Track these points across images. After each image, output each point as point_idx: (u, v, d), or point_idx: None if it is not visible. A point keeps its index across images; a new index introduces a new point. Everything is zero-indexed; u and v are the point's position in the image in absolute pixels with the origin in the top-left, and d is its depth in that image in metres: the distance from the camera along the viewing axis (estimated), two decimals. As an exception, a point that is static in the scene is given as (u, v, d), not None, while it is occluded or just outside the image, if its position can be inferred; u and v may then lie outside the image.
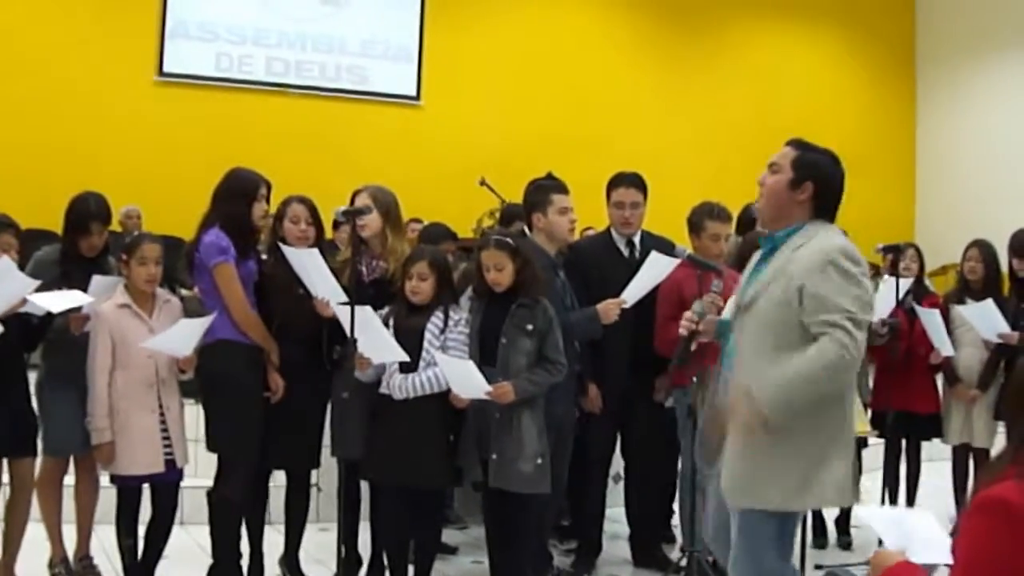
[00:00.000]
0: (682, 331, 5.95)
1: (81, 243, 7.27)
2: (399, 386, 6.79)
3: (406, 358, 6.65)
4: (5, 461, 6.94)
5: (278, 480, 7.73)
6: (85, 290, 6.93)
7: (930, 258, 9.71)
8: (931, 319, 8.74)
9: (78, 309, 6.83)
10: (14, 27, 14.85)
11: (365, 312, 6.51)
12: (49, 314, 6.79)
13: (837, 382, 4.92)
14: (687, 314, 6.02)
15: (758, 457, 4.94)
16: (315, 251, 7.04)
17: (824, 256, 4.89)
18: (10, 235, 7.02)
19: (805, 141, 5.63)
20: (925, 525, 3.95)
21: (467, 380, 6.52)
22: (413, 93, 17.35)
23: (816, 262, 4.89)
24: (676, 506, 8.24)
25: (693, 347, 6.05)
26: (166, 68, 16.02)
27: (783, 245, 5.13)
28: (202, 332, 6.81)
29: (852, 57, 20.35)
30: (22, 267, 6.82)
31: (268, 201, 7.16)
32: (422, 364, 6.78)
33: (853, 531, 9.28)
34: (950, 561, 3.22)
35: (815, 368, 4.79)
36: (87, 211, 7.29)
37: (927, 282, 9.71)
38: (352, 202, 7.55)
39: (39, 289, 6.52)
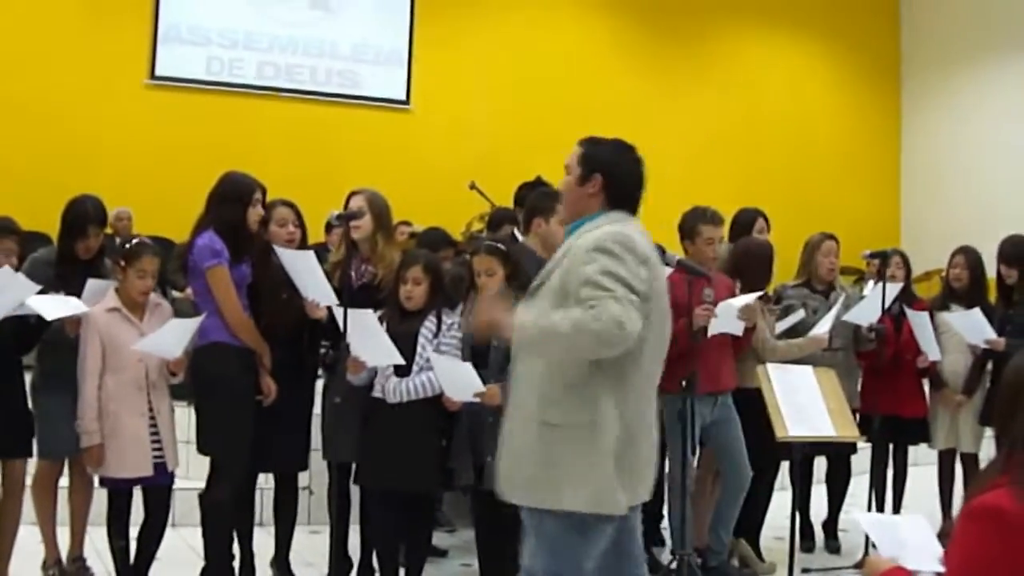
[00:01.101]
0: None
1: (77, 245, 7.26)
2: (393, 390, 6.80)
3: (402, 361, 6.66)
4: (-1, 463, 6.95)
5: (267, 483, 7.73)
6: (80, 291, 6.95)
7: (915, 264, 9.72)
8: (920, 323, 8.76)
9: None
10: (7, 30, 14.82)
11: (364, 315, 6.51)
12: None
13: (594, 346, 4.60)
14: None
15: (523, 453, 4.86)
16: (310, 253, 7.05)
17: (594, 242, 4.75)
18: (12, 241, 7.02)
19: (594, 137, 5.34)
20: (917, 531, 3.95)
21: (460, 382, 6.53)
22: (403, 97, 17.31)
23: (586, 248, 4.76)
24: (665, 510, 8.24)
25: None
26: (158, 71, 15.97)
27: (571, 236, 5.05)
28: (191, 334, 6.80)
29: (838, 66, 20.37)
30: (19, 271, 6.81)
31: (264, 205, 7.15)
32: (415, 368, 6.78)
33: (840, 535, 9.30)
34: (941, 568, 3.22)
35: (584, 320, 4.53)
36: (84, 214, 7.29)
37: (913, 288, 9.72)
38: (347, 204, 7.55)
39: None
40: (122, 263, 7.02)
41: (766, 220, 9.20)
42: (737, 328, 7.68)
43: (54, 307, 6.67)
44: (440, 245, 8.82)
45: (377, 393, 6.90)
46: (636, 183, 5.08)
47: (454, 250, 9.26)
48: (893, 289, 8.74)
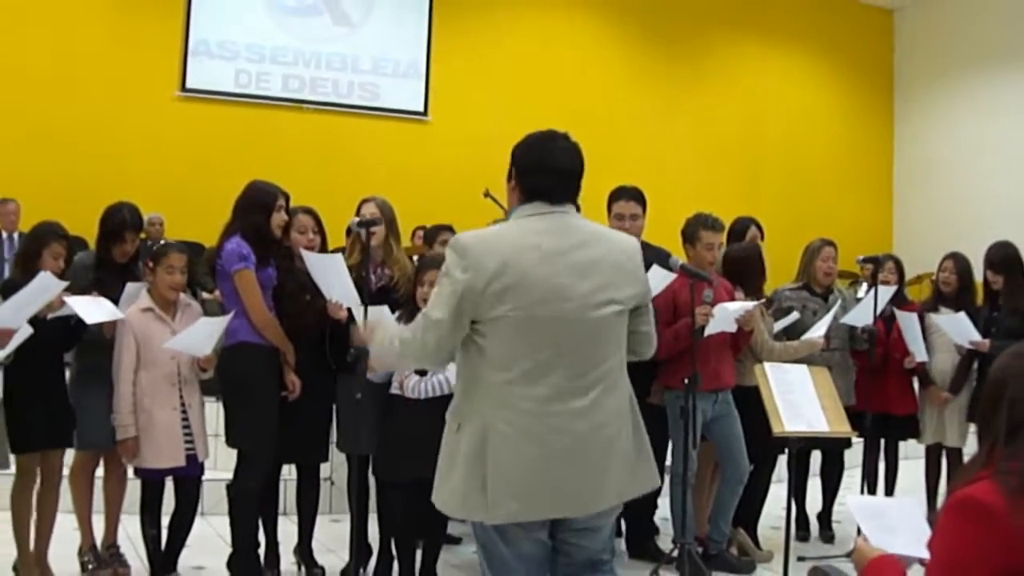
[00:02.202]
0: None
1: (115, 250, 7.31)
2: (413, 387, 6.83)
3: (419, 361, 6.67)
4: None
5: (290, 474, 7.76)
6: (118, 294, 7.03)
7: (907, 268, 9.73)
8: (908, 324, 8.80)
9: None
10: (46, 47, 14.86)
11: (382, 313, 6.52)
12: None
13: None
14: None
15: None
16: (339, 257, 7.10)
17: None
18: (60, 245, 7.04)
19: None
20: (909, 515, 3.95)
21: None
22: (421, 109, 17.37)
23: None
24: (660, 500, 8.24)
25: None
26: (188, 84, 16.03)
27: None
28: (220, 332, 6.87)
29: (833, 77, 20.41)
30: (66, 274, 6.85)
31: (287, 212, 7.19)
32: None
33: (835, 525, 9.32)
34: (926, 555, 3.23)
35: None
36: (122, 220, 7.33)
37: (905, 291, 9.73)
38: (358, 211, 7.58)
39: (73, 292, 6.56)
40: (150, 264, 7.09)
41: (759, 228, 9.25)
42: (731, 326, 7.70)
43: (93, 311, 6.72)
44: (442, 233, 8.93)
45: (395, 390, 6.94)
46: (544, 170, 4.44)
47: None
48: (886, 292, 8.77)
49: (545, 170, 4.44)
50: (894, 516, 3.95)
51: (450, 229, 9.24)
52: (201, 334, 6.81)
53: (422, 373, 6.86)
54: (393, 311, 6.94)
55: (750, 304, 7.80)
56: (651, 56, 18.92)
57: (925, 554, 3.19)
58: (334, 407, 7.57)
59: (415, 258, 8.38)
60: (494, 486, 4.22)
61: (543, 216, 4.38)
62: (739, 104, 19.35)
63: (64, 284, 6.39)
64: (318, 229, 7.51)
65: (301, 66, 16.79)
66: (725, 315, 7.57)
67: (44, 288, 6.12)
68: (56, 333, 6.76)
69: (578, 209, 4.54)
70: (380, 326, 4.96)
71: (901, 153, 20.72)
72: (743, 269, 8.34)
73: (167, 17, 15.85)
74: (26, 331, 5.89)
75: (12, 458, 6.81)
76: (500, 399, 4.25)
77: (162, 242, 7.37)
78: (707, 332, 7.44)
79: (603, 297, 4.31)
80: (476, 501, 4.27)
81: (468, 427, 4.32)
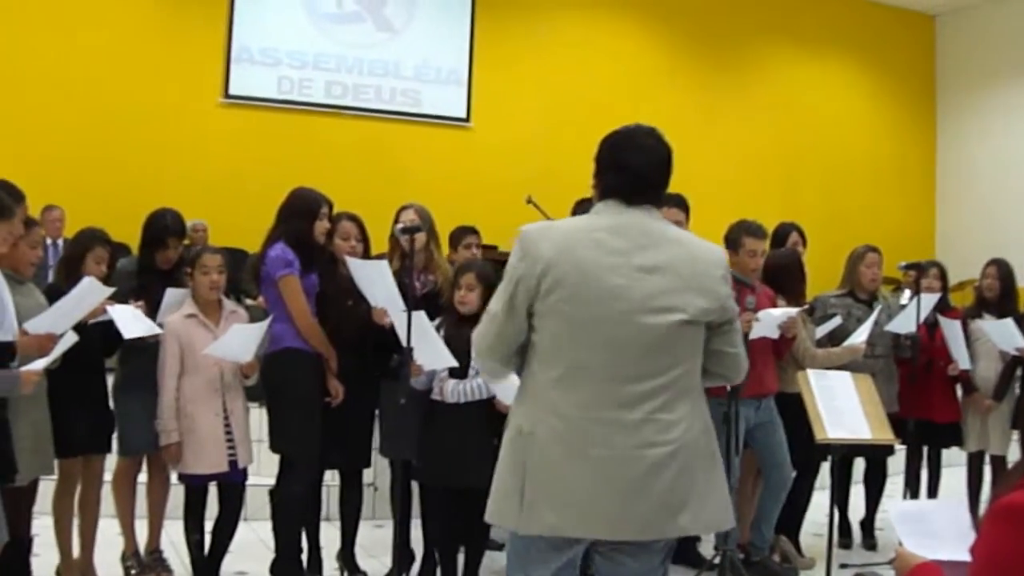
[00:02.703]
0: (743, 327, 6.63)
1: (158, 256, 7.35)
2: (451, 391, 6.86)
3: (456, 363, 6.72)
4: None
5: (334, 479, 7.79)
6: (160, 299, 7.08)
7: (949, 275, 9.68)
8: (953, 331, 8.75)
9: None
10: (91, 54, 14.93)
11: (419, 319, 6.54)
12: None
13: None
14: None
15: None
16: (384, 264, 7.09)
17: None
18: (104, 250, 7.08)
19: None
20: (952, 517, 3.93)
21: (511, 387, 6.56)
22: (463, 115, 17.37)
23: None
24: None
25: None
26: (231, 91, 16.07)
27: None
28: (258, 338, 6.90)
29: (875, 84, 20.32)
30: (109, 279, 6.89)
31: (330, 219, 7.23)
32: (471, 372, 6.84)
33: (877, 532, 9.29)
34: (968, 558, 3.21)
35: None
36: (164, 226, 7.38)
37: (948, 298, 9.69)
38: (397, 218, 7.63)
39: (116, 298, 6.59)
40: (189, 270, 7.14)
41: (801, 234, 9.20)
42: (773, 332, 7.70)
43: (132, 326, 6.76)
44: (466, 235, 8.99)
45: (436, 395, 6.97)
46: (619, 168, 4.27)
47: (477, 238, 9.28)
48: (929, 299, 8.74)
49: (619, 169, 4.26)
50: (937, 519, 3.93)
51: (474, 231, 9.22)
52: (237, 341, 6.85)
53: (460, 376, 6.88)
54: (435, 317, 6.98)
55: (793, 310, 7.79)
56: (693, 63, 18.89)
57: (967, 556, 3.19)
58: (377, 412, 7.61)
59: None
60: (531, 494, 4.05)
61: (614, 215, 4.19)
62: (780, 110, 19.29)
63: (109, 290, 6.42)
64: (361, 236, 7.53)
65: (343, 72, 16.82)
66: (769, 320, 7.56)
67: (88, 293, 6.15)
68: (97, 339, 6.80)
69: (659, 207, 4.36)
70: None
71: (943, 159, 20.62)
72: (783, 276, 8.32)
73: (210, 24, 15.91)
74: (71, 337, 5.91)
75: (55, 463, 6.85)
76: (543, 400, 4.10)
77: (199, 247, 7.42)
78: (750, 337, 7.43)
79: (663, 304, 4.05)
80: (510, 507, 4.12)
81: (512, 428, 4.19)
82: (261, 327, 6.94)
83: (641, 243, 4.12)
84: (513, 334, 4.19)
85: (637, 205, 4.20)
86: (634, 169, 4.23)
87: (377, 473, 8.83)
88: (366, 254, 7.52)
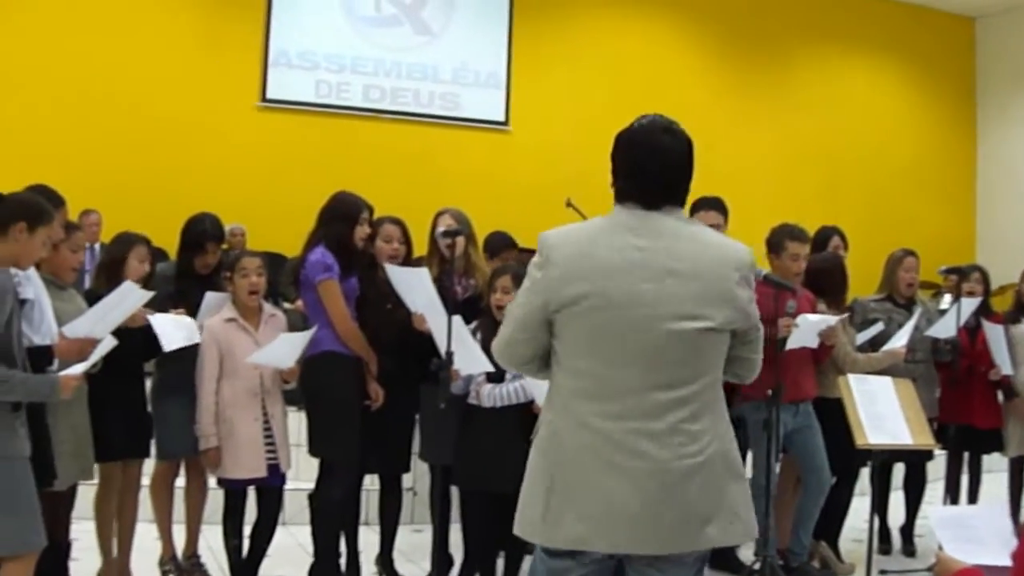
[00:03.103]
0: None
1: (196, 261, 7.39)
2: (488, 395, 6.86)
3: (492, 368, 6.69)
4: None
5: (373, 484, 7.80)
6: (198, 303, 7.12)
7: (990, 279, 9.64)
8: (995, 335, 8.71)
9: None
10: (129, 59, 14.98)
11: (456, 324, 6.55)
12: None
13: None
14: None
15: None
16: (424, 271, 7.11)
17: None
18: (144, 248, 7.14)
19: None
20: (993, 521, 3.91)
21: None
22: (502, 119, 17.36)
23: None
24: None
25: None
26: (269, 95, 16.09)
27: None
28: (303, 346, 6.92)
29: (915, 85, 20.23)
30: (149, 282, 6.93)
31: (370, 224, 7.25)
32: (508, 375, 6.83)
33: (917, 539, 9.26)
34: (1009, 563, 3.20)
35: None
36: (203, 231, 7.42)
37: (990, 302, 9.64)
38: (435, 225, 7.66)
39: (154, 303, 6.61)
40: (228, 274, 7.16)
41: (842, 237, 9.17)
42: (813, 342, 7.67)
43: (173, 336, 6.80)
44: (501, 248, 8.91)
45: (472, 400, 6.97)
46: (635, 174, 4.10)
47: (517, 251, 9.26)
48: (970, 304, 8.70)
49: (635, 174, 4.09)
50: (978, 524, 3.91)
51: (514, 246, 9.21)
52: (283, 348, 6.88)
53: (496, 380, 6.88)
54: (471, 320, 6.99)
55: (833, 319, 7.76)
56: (732, 65, 18.85)
57: (1009, 562, 3.17)
58: (417, 417, 7.62)
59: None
60: (557, 504, 3.95)
61: (635, 218, 4.03)
62: (820, 113, 19.22)
63: (148, 294, 6.42)
64: (404, 239, 7.55)
65: (381, 76, 16.83)
66: (807, 326, 7.53)
67: (127, 296, 6.16)
68: (136, 343, 6.82)
69: (683, 206, 4.16)
70: None
71: (984, 162, 20.50)
72: (824, 280, 8.29)
73: (247, 28, 15.94)
74: (110, 342, 5.92)
75: (95, 467, 6.88)
76: (570, 410, 4.00)
77: (237, 251, 7.45)
78: (788, 346, 7.40)
79: (690, 310, 3.92)
80: (535, 517, 4.03)
81: (539, 438, 4.11)
82: (307, 335, 6.97)
83: (665, 246, 3.98)
84: (531, 340, 4.12)
85: (658, 208, 4.05)
86: (651, 174, 4.07)
87: (416, 478, 8.85)
88: (408, 257, 7.54)
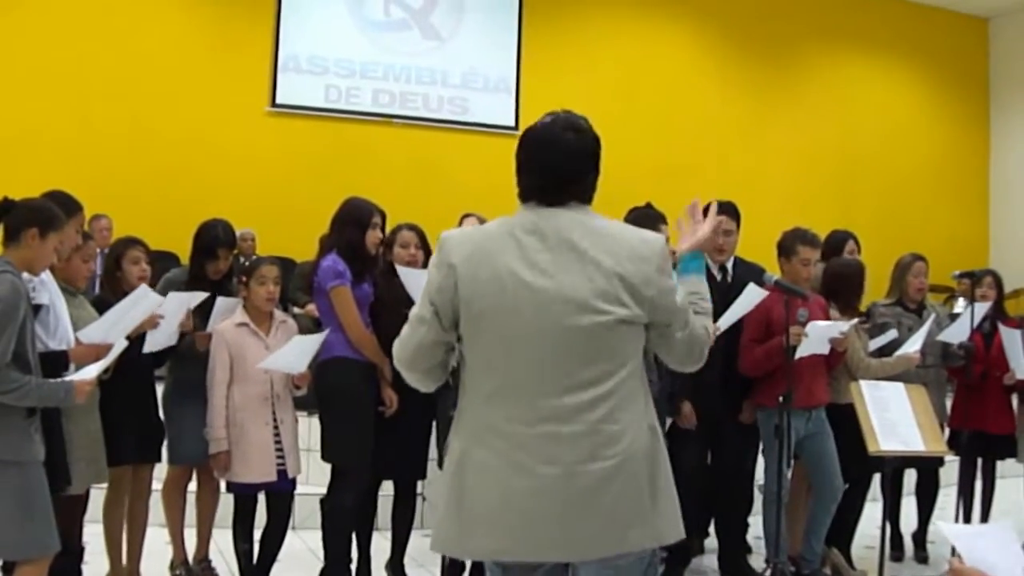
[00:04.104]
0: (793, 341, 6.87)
1: (208, 267, 7.41)
2: None
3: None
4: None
5: (386, 489, 7.82)
6: (210, 310, 7.15)
7: (1004, 282, 9.64)
8: (1011, 339, 8.70)
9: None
10: (140, 64, 15.03)
11: None
12: (180, 333, 7.01)
13: None
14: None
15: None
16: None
17: None
18: (137, 250, 7.18)
19: None
20: (1003, 539, 3.93)
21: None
22: (511, 123, 17.35)
23: None
24: (753, 519, 8.25)
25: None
26: (279, 99, 16.16)
27: None
28: (315, 350, 6.95)
29: (928, 88, 20.25)
30: (152, 284, 6.96)
31: (382, 229, 7.28)
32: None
33: (929, 546, 9.26)
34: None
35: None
36: (215, 237, 7.44)
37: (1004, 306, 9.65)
38: (460, 226, 7.68)
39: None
40: (244, 279, 7.19)
41: (856, 242, 9.15)
42: (824, 348, 7.69)
43: (154, 339, 6.88)
44: None
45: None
46: (530, 170, 4.11)
47: None
48: (983, 308, 8.71)
49: (533, 170, 4.08)
50: (987, 544, 3.92)
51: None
52: (295, 352, 6.90)
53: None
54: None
55: (844, 325, 7.76)
56: (744, 68, 18.86)
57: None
58: (434, 423, 7.65)
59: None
60: (466, 518, 3.90)
61: (533, 215, 3.99)
62: (832, 115, 19.25)
63: (160, 299, 6.48)
64: (421, 244, 7.58)
65: (391, 81, 16.88)
66: (818, 335, 7.53)
67: (140, 300, 6.21)
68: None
69: (589, 202, 4.07)
70: None
71: (997, 164, 20.54)
72: (842, 285, 8.29)
73: (257, 33, 16.01)
74: (121, 344, 5.97)
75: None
76: (479, 418, 3.94)
77: (254, 257, 7.47)
78: (799, 354, 7.40)
79: (593, 304, 3.83)
80: (449, 532, 3.98)
81: (451, 448, 4.03)
82: (319, 339, 7.00)
83: (563, 240, 3.91)
84: (434, 345, 4.04)
85: (558, 204, 3.98)
86: (549, 168, 4.02)
87: (428, 483, 8.86)
88: (426, 263, 7.55)
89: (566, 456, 3.77)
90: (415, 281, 7.06)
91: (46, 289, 5.80)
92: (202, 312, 7.16)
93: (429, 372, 4.12)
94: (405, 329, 4.10)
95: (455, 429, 4.02)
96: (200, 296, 6.96)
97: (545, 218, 3.95)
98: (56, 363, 5.63)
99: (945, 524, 4.45)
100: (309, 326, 7.98)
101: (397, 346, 4.15)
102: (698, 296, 4.21)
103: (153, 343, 6.85)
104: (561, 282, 3.84)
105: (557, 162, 4.00)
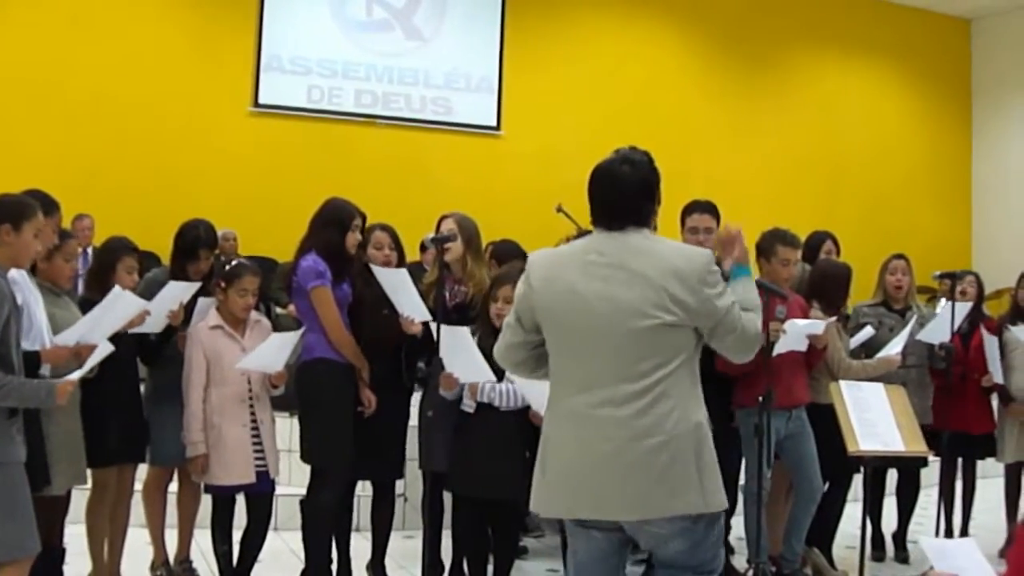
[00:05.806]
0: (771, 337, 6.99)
1: (189, 268, 7.41)
2: (504, 393, 6.88)
3: (493, 378, 6.72)
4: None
5: (365, 490, 7.84)
6: (191, 310, 7.13)
7: (986, 283, 9.68)
8: (991, 344, 8.76)
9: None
10: (120, 64, 15.01)
11: (459, 332, 6.61)
12: (168, 331, 7.07)
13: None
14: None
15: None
16: (403, 271, 7.19)
17: None
18: (132, 259, 7.19)
19: None
20: (970, 555, 3.99)
21: (541, 396, 6.58)
22: (494, 124, 17.41)
23: None
24: (734, 520, 8.27)
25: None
26: (261, 99, 16.14)
27: None
28: (291, 348, 6.98)
29: (910, 89, 20.29)
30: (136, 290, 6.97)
31: (362, 231, 7.29)
32: (505, 379, 6.85)
33: (910, 545, 9.27)
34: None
35: None
36: (196, 238, 7.45)
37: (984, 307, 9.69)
38: (438, 228, 7.69)
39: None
40: (222, 284, 7.19)
41: (835, 242, 9.21)
42: (801, 345, 7.72)
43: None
44: (510, 256, 8.92)
45: (465, 407, 7.00)
46: (595, 202, 4.84)
47: (524, 260, 9.29)
48: (963, 308, 8.74)
49: (597, 203, 4.80)
50: (960, 556, 3.99)
51: (515, 246, 9.26)
52: (272, 351, 6.93)
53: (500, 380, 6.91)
54: (466, 327, 7.01)
55: (821, 323, 7.78)
56: (727, 70, 18.88)
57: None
58: (413, 425, 7.65)
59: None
60: (547, 482, 4.72)
61: (600, 240, 4.74)
62: (814, 117, 19.29)
63: (139, 300, 6.51)
64: (395, 245, 7.57)
65: (373, 81, 16.88)
66: (795, 332, 7.56)
67: (116, 302, 6.22)
68: (132, 348, 6.88)
69: (646, 226, 4.80)
70: None
71: (979, 165, 20.57)
72: (829, 285, 8.30)
73: (239, 33, 15.99)
74: (106, 347, 5.98)
75: (88, 473, 6.91)
76: (557, 404, 4.75)
77: (235, 262, 7.44)
78: (776, 351, 7.43)
79: (644, 311, 4.54)
80: (537, 495, 4.78)
81: (543, 429, 4.81)
82: (295, 336, 7.03)
83: (622, 260, 4.62)
84: (521, 344, 4.91)
85: (618, 229, 4.71)
86: (610, 202, 4.76)
87: (408, 484, 8.87)
88: (400, 264, 7.55)
89: (619, 434, 4.51)
90: (391, 281, 7.11)
91: (19, 289, 5.78)
92: (184, 311, 7.17)
93: (517, 366, 5.05)
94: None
95: (545, 418, 4.86)
96: (194, 287, 7.03)
97: (608, 241, 4.71)
98: (28, 363, 5.62)
99: (924, 538, 4.54)
100: (291, 327, 7.97)
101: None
102: (750, 295, 4.99)
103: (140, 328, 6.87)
104: (617, 293, 4.58)
105: (613, 196, 4.77)
